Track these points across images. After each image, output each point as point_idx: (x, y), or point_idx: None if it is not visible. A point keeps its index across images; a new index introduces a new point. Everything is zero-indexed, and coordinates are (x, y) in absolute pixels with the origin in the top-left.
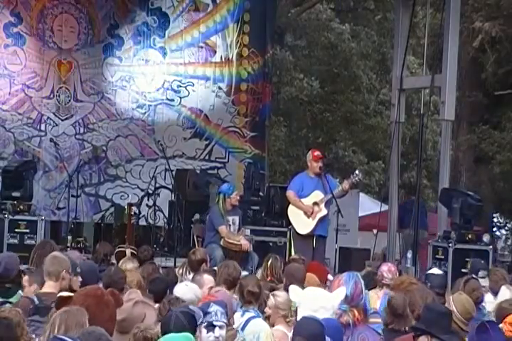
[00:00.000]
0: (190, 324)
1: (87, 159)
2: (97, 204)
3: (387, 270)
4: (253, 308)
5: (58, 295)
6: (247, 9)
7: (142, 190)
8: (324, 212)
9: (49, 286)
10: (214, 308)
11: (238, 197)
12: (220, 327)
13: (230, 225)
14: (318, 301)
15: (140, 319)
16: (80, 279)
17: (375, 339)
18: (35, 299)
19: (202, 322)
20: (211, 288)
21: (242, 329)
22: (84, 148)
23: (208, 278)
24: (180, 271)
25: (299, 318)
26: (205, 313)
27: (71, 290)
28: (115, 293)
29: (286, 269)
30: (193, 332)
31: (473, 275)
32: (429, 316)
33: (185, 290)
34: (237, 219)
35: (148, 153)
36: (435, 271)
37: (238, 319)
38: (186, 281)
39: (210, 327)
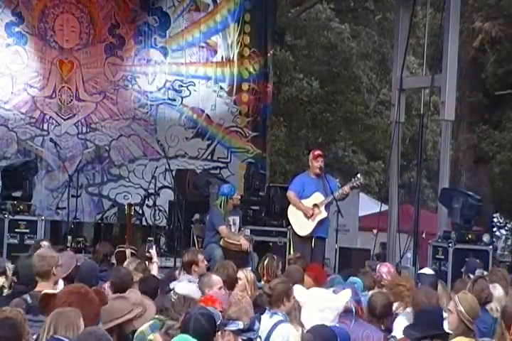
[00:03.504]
0: (210, 325)
1: (89, 159)
2: (101, 204)
3: (386, 271)
4: (281, 312)
5: (43, 292)
6: (248, 9)
7: (145, 190)
8: (324, 214)
9: (42, 285)
10: (257, 326)
11: (239, 197)
12: None
13: (230, 225)
14: (324, 301)
15: (120, 312)
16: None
17: (379, 336)
18: (28, 298)
19: (237, 333)
20: (220, 288)
21: (270, 331)
22: (87, 148)
23: (216, 279)
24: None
25: (303, 317)
26: (249, 329)
27: None
28: (100, 291)
29: (286, 271)
30: (213, 333)
31: (475, 275)
32: (426, 319)
33: (191, 288)
34: (237, 219)
35: (150, 153)
36: (426, 270)
37: (266, 320)
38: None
39: None
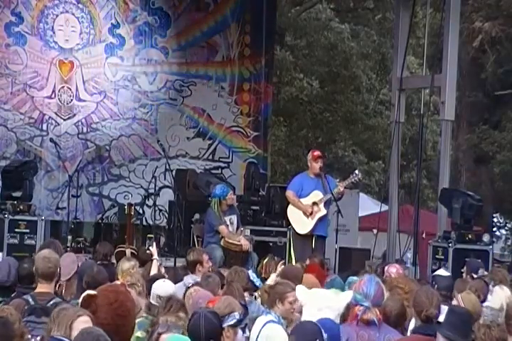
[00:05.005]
0: (219, 322)
1: (90, 159)
2: (101, 204)
3: (395, 272)
4: (275, 312)
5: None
6: (248, 9)
7: (145, 190)
8: (323, 211)
9: (44, 287)
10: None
11: (234, 197)
12: None
13: (228, 225)
14: (325, 301)
15: None
16: None
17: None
18: (30, 299)
19: (236, 325)
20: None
21: (260, 330)
22: (88, 148)
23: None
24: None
25: (304, 317)
26: (245, 316)
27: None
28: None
29: (283, 269)
30: (221, 331)
31: (478, 275)
32: (453, 320)
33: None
34: (234, 218)
35: (151, 153)
36: (442, 272)
37: (262, 318)
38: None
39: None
